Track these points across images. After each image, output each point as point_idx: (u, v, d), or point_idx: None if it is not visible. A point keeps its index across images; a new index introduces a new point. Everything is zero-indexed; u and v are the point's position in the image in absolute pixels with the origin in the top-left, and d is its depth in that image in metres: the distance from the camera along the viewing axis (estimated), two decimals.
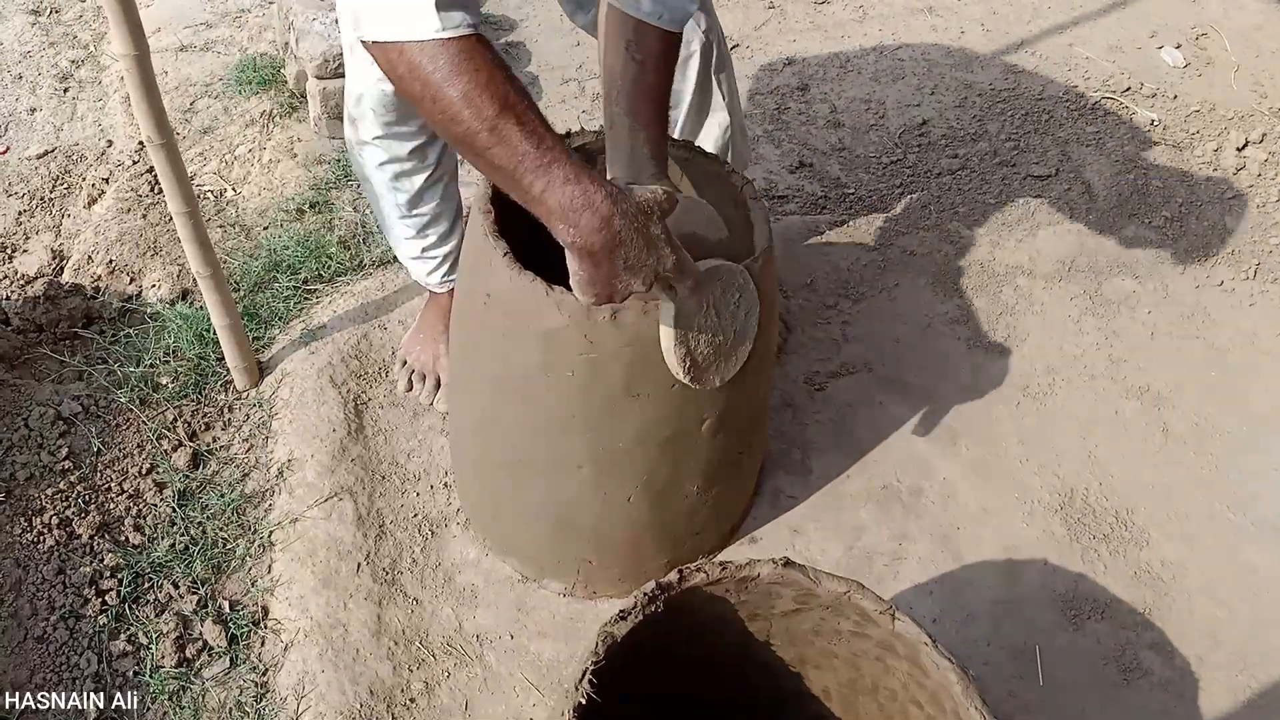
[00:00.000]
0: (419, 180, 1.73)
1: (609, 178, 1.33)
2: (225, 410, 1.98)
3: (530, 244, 1.47)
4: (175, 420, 1.93)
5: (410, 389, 2.00)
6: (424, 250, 1.85)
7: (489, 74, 1.03)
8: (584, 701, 1.07)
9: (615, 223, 1.10)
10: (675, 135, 1.86)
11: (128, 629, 1.66)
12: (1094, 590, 1.80)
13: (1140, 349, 2.20)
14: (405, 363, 2.02)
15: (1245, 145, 2.66)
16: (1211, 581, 1.83)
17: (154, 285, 2.19)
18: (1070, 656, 1.72)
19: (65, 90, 2.76)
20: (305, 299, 2.17)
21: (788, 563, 1.20)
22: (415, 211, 1.78)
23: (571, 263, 1.16)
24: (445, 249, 1.86)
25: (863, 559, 1.82)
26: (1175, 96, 2.82)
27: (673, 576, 1.18)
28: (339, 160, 2.49)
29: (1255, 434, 2.05)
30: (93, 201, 2.41)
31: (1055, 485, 1.95)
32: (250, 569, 1.76)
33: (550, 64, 2.84)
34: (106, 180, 2.45)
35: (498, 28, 2.96)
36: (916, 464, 1.96)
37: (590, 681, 1.08)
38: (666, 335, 1.31)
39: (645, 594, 1.16)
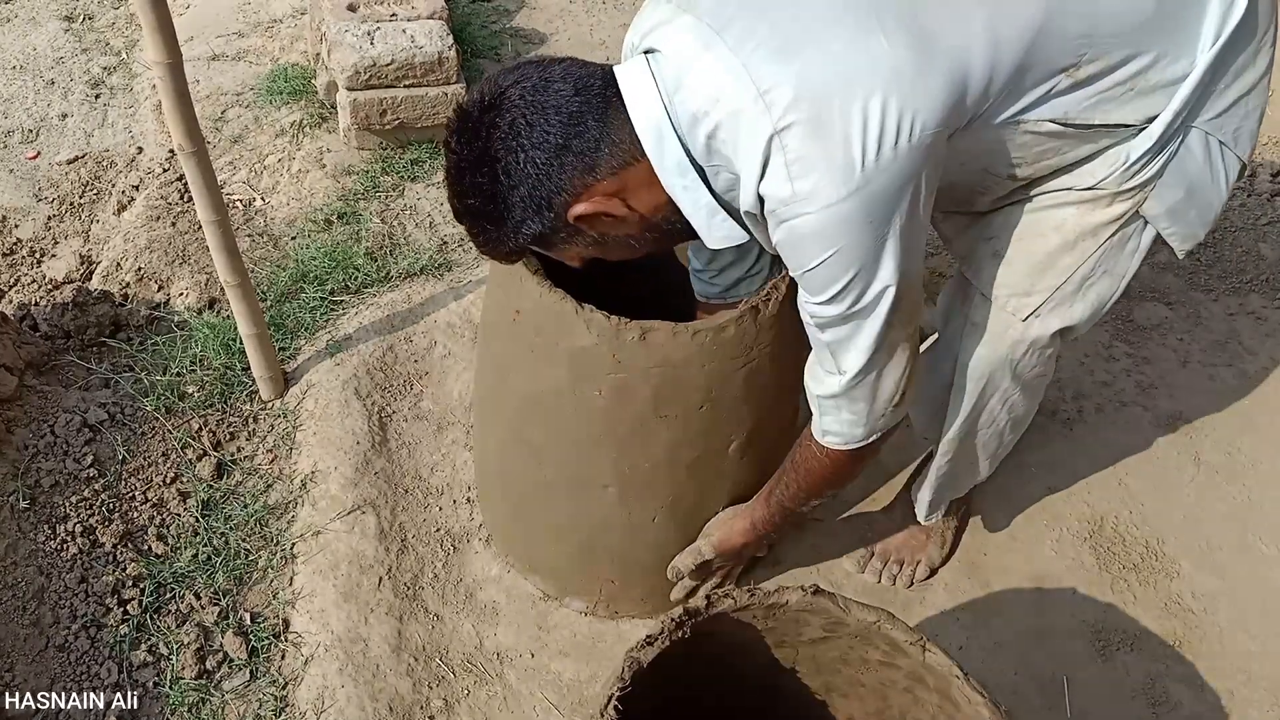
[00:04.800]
0: None
1: None
2: (250, 420, 1.98)
3: (561, 263, 1.46)
4: (200, 429, 1.93)
5: None
6: None
7: None
8: None
9: None
10: None
11: (149, 639, 1.66)
12: (1123, 621, 1.77)
13: (1172, 376, 2.17)
14: None
15: None
16: (1244, 614, 1.79)
17: (182, 294, 2.19)
18: (1099, 688, 1.69)
19: (97, 96, 2.78)
20: (331, 310, 2.17)
21: (817, 590, 1.19)
22: None
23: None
24: None
25: (889, 584, 1.80)
26: None
27: (700, 602, 1.17)
28: (367, 172, 2.49)
29: None
30: (122, 208, 2.42)
31: (1084, 513, 1.92)
32: (272, 581, 1.75)
33: None
34: (136, 187, 2.46)
35: (527, 41, 2.96)
36: None
37: (615, 708, 1.07)
38: None
39: (673, 620, 1.15)
